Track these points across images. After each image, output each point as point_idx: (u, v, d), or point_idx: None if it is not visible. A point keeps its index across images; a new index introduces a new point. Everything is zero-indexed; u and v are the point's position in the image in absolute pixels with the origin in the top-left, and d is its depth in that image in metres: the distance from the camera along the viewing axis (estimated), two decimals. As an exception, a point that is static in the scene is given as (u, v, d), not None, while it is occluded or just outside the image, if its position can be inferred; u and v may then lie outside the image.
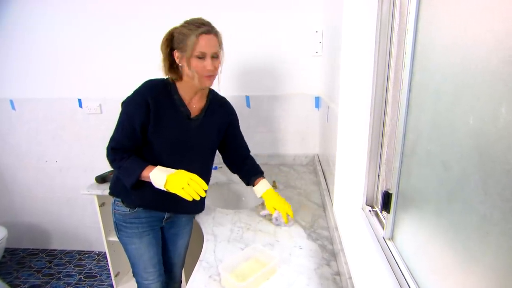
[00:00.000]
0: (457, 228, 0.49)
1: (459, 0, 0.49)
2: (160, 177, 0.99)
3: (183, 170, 1.01)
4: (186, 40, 0.96)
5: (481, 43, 0.42)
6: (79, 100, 1.95)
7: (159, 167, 1.02)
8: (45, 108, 2.00)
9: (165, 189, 0.99)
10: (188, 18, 1.01)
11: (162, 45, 1.03)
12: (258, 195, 1.21)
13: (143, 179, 1.03)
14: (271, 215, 1.19)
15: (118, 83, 1.87)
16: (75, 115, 1.99)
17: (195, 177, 1.00)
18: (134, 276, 1.23)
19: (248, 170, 1.26)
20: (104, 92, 1.92)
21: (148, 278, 1.21)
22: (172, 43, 1.02)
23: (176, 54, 1.01)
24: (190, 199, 0.97)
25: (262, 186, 1.20)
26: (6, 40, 1.90)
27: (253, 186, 1.22)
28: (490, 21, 0.41)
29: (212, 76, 1.03)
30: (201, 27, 0.96)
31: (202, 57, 0.98)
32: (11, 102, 2.01)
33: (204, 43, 0.96)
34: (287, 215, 1.15)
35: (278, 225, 1.17)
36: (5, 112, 2.03)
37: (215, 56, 1.01)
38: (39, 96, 1.98)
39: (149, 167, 1.02)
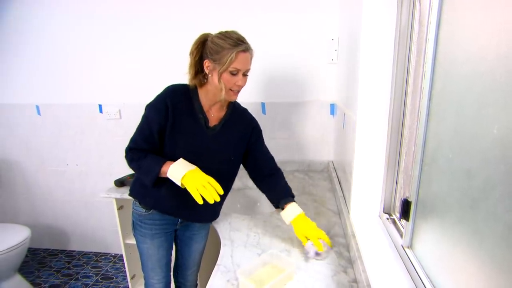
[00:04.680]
0: (482, 238, 0.49)
1: (482, 11, 0.50)
2: (179, 170, 0.99)
3: (201, 171, 1.01)
4: (222, 54, 0.97)
5: (507, 53, 0.43)
6: (100, 106, 2.03)
7: (181, 160, 1.03)
8: (67, 113, 2.08)
9: (180, 184, 0.99)
10: (223, 30, 1.02)
11: (192, 51, 1.04)
12: (287, 222, 1.09)
13: (162, 175, 1.03)
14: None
15: (138, 88, 1.93)
16: (95, 120, 2.06)
17: (212, 180, 0.99)
18: (142, 271, 1.27)
19: (276, 192, 1.16)
20: (124, 98, 1.99)
21: (154, 277, 1.25)
22: (203, 50, 1.03)
23: (207, 63, 1.01)
24: (201, 202, 0.96)
25: (290, 212, 1.08)
26: (34, 46, 1.99)
27: (281, 210, 1.12)
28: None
29: (239, 91, 1.05)
30: (240, 44, 0.97)
31: (235, 73, 1.00)
32: (37, 107, 2.10)
33: (241, 61, 0.98)
34: (323, 242, 1.01)
35: (312, 257, 1.00)
36: (31, 117, 2.12)
37: (246, 74, 1.03)
38: (62, 101, 2.07)
39: (168, 162, 1.03)
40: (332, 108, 1.77)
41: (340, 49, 1.60)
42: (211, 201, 0.96)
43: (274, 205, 1.17)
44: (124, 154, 1.09)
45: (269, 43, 1.73)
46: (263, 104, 1.83)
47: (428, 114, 0.68)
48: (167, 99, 1.04)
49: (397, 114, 0.94)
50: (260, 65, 1.76)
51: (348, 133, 1.24)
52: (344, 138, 1.36)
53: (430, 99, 0.67)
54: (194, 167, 1.02)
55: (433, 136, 0.67)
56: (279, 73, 1.77)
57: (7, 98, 2.12)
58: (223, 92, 1.02)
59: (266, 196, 1.20)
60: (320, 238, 1.01)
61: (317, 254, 1.01)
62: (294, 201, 1.12)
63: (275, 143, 1.87)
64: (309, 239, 1.02)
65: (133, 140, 1.08)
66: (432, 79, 0.66)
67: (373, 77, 0.97)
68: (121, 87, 1.97)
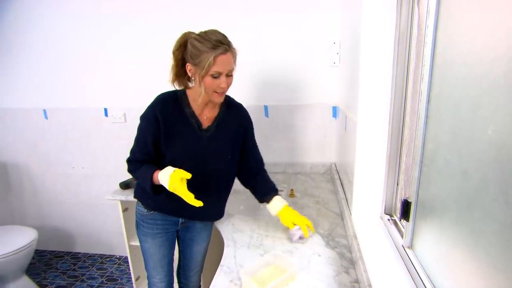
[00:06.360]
0: (478, 236, 0.50)
1: (478, 15, 0.51)
2: (164, 183, 1.00)
3: (178, 170, 0.98)
4: (201, 58, 0.95)
5: (502, 56, 0.44)
6: (105, 110, 2.06)
7: (161, 171, 1.01)
8: (73, 117, 2.12)
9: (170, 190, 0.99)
10: (203, 30, 0.99)
11: (174, 51, 1.03)
12: (273, 213, 1.16)
13: (156, 183, 1.04)
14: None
15: (142, 92, 1.95)
16: (101, 124, 2.09)
17: (184, 174, 0.96)
18: (145, 270, 1.29)
19: (262, 187, 1.21)
20: (129, 102, 2.02)
21: (156, 277, 1.27)
22: (184, 52, 1.01)
23: (189, 67, 1.01)
24: (200, 204, 0.96)
25: (277, 203, 1.15)
26: (36, 47, 2.03)
27: (267, 203, 1.17)
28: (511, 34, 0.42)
29: (224, 92, 1.04)
30: (219, 47, 0.94)
31: (217, 76, 0.98)
32: (44, 111, 2.14)
33: (221, 64, 0.95)
34: (308, 228, 1.10)
35: (296, 241, 1.11)
36: (38, 122, 2.16)
37: (230, 74, 1.02)
38: (67, 105, 2.10)
39: (157, 171, 1.02)
40: (334, 111, 1.78)
41: (341, 52, 1.62)
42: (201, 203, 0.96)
43: (259, 200, 1.22)
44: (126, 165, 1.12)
45: (272, 47, 1.74)
46: (266, 107, 1.84)
47: (426, 117, 0.69)
48: (156, 110, 1.04)
49: (398, 116, 0.96)
50: (263, 68, 1.78)
51: (349, 135, 1.26)
52: (346, 140, 1.37)
53: (428, 101, 0.68)
54: (168, 174, 0.98)
55: (431, 138, 0.68)
56: (282, 76, 1.78)
57: (15, 103, 2.17)
58: (208, 96, 1.02)
59: (252, 192, 1.24)
60: (307, 225, 1.10)
61: (300, 238, 1.11)
62: (279, 195, 1.18)
63: (278, 146, 1.88)
64: (296, 225, 1.10)
65: (131, 152, 1.11)
66: (430, 82, 0.67)
67: (373, 79, 0.98)
68: (126, 90, 2.00)
